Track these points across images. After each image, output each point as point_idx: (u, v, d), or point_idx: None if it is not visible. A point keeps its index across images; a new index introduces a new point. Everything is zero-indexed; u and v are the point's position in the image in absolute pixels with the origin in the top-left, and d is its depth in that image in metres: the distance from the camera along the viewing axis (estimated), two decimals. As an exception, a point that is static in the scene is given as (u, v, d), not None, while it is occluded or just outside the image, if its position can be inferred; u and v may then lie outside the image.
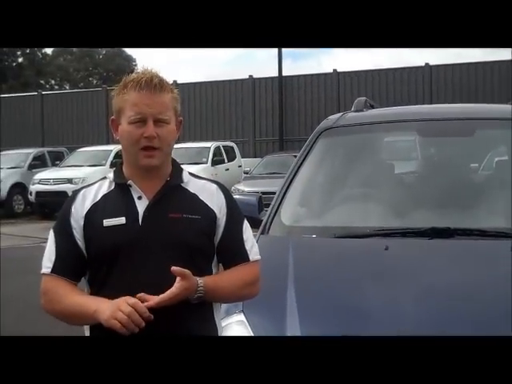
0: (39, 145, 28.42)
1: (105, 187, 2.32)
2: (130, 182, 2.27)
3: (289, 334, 2.92)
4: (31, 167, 22.01)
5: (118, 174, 2.32)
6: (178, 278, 2.12)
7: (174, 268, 2.10)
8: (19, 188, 21.22)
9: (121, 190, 2.29)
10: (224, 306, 3.10)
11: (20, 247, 13.74)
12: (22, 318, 7.24)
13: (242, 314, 3.08)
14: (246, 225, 2.40)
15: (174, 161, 2.38)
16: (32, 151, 23.42)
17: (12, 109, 31.35)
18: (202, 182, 2.38)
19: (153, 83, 2.20)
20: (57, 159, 22.93)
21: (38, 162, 22.49)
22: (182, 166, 2.40)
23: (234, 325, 3.07)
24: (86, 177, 17.80)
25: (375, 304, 3.09)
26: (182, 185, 2.32)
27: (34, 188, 19.89)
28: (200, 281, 2.18)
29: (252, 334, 2.99)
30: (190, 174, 2.39)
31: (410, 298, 3.10)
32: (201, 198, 2.31)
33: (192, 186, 2.34)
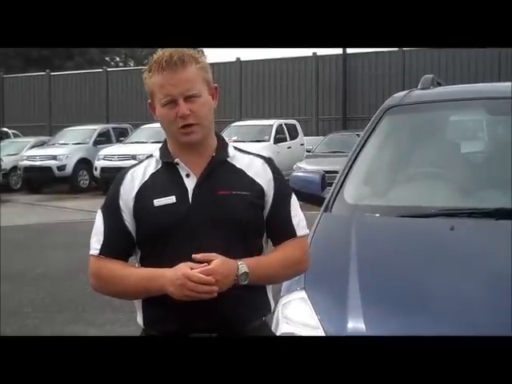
0: (104, 121, 28.87)
1: (152, 166, 2.32)
2: (177, 160, 2.26)
3: (350, 314, 2.91)
4: (96, 143, 22.39)
5: (164, 152, 2.32)
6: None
7: (195, 256, 2.11)
8: (84, 163, 21.63)
9: (168, 168, 2.28)
10: (285, 283, 3.10)
11: (85, 221, 14.00)
12: (85, 290, 7.39)
13: (304, 291, 3.07)
14: (294, 199, 2.36)
15: (218, 135, 2.36)
16: (97, 127, 23.83)
17: (78, 85, 31.90)
18: (248, 157, 2.34)
19: (173, 61, 2.16)
20: (121, 135, 23.28)
21: (103, 138, 22.88)
22: (244, 144, 2.38)
23: (295, 301, 3.07)
24: (150, 153, 17.94)
25: (439, 286, 3.04)
26: (228, 160, 2.30)
27: (99, 164, 20.26)
28: (239, 261, 2.16)
29: (312, 312, 2.98)
30: (235, 148, 2.36)
31: (475, 282, 3.04)
32: (248, 173, 2.29)
33: (238, 161, 2.31)
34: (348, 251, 3.31)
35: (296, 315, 3.03)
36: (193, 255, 2.10)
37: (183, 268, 2.10)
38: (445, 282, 3.07)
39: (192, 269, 2.09)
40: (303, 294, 3.07)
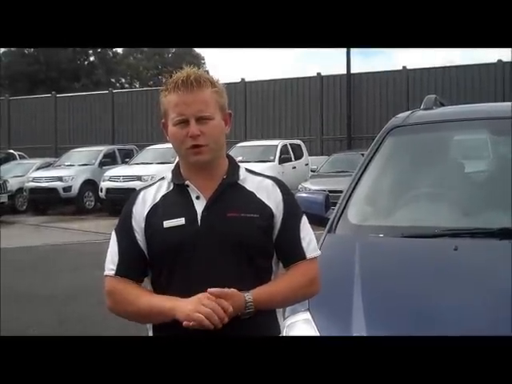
0: (110, 142, 28.95)
1: (163, 188, 2.33)
2: (187, 182, 2.27)
3: (354, 335, 2.90)
4: (102, 164, 22.40)
5: (176, 175, 2.33)
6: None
7: (210, 290, 2.10)
8: (90, 185, 21.64)
9: (179, 190, 2.29)
10: (290, 305, 3.10)
11: (91, 242, 14.03)
12: (92, 311, 7.40)
13: (308, 313, 3.07)
14: (304, 221, 2.35)
15: (230, 158, 2.38)
16: (102, 149, 23.88)
17: (84, 107, 32.05)
18: (258, 179, 2.35)
19: (189, 81, 2.19)
20: (126, 157, 23.31)
21: (109, 160, 22.89)
22: (249, 164, 2.39)
23: (300, 323, 3.07)
24: (155, 174, 17.95)
25: (444, 307, 3.04)
26: (239, 182, 2.31)
27: (105, 185, 20.26)
28: (248, 297, 2.16)
29: (317, 333, 2.98)
30: (247, 170, 2.37)
31: (479, 301, 3.04)
32: (258, 195, 2.29)
33: (249, 183, 2.32)
34: (352, 272, 3.31)
35: (300, 336, 3.03)
36: (208, 289, 2.10)
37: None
38: (449, 303, 3.07)
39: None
40: (307, 315, 3.07)
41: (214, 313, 2.06)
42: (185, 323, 2.08)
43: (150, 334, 2.33)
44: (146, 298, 2.23)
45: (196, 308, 2.07)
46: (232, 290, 2.12)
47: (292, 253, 2.31)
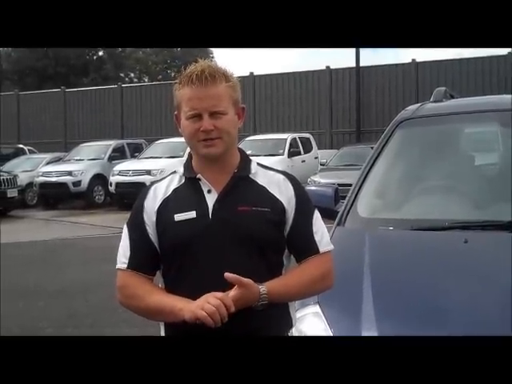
0: (119, 137, 28.97)
1: (175, 181, 2.33)
2: (199, 175, 2.27)
3: (364, 329, 2.90)
4: (111, 159, 22.45)
5: (188, 168, 2.33)
6: (235, 286, 2.11)
7: (227, 275, 2.09)
8: (99, 179, 21.68)
9: (191, 183, 2.30)
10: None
11: (100, 237, 14.07)
12: (101, 305, 7.42)
13: (318, 306, 3.07)
14: (317, 215, 2.35)
15: (242, 152, 2.37)
16: (112, 143, 23.92)
17: (93, 102, 32.09)
18: (270, 174, 2.35)
19: (203, 76, 2.18)
20: (136, 151, 23.32)
21: (118, 154, 22.93)
22: (259, 158, 2.38)
23: (309, 316, 3.07)
24: (164, 168, 17.99)
25: (453, 300, 3.03)
26: (251, 176, 2.31)
27: (114, 179, 20.29)
28: (263, 289, 2.16)
29: (326, 326, 2.98)
30: (259, 164, 2.37)
31: (490, 295, 3.02)
32: (269, 190, 2.29)
33: (260, 177, 2.32)
34: (361, 265, 3.31)
35: (310, 329, 3.02)
36: (226, 274, 2.10)
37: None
38: (459, 296, 3.05)
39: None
40: (317, 308, 3.07)
41: (218, 311, 2.06)
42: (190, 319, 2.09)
43: (162, 330, 2.33)
44: (157, 296, 2.23)
45: (201, 305, 2.08)
46: (248, 279, 2.12)
47: (305, 247, 2.31)
